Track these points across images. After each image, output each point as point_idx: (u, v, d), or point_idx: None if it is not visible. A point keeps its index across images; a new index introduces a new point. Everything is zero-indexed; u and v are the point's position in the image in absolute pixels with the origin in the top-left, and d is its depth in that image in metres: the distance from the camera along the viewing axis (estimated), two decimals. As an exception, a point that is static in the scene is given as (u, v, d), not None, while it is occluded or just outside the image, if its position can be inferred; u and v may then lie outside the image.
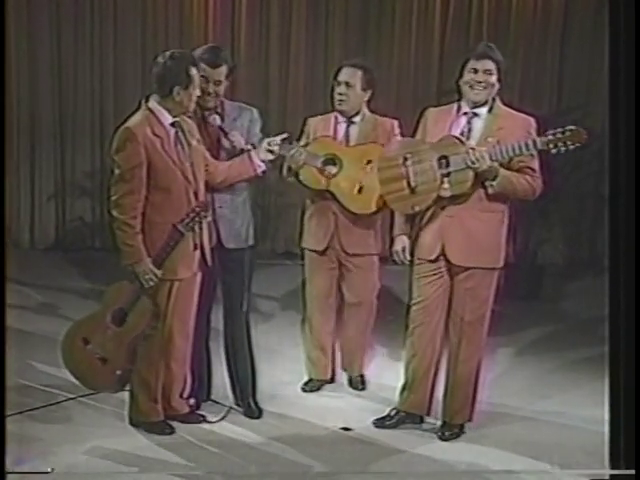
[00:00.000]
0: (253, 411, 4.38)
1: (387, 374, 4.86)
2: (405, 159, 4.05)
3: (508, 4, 7.70)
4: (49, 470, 3.67)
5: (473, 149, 3.85)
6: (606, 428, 3.11)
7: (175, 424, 4.19)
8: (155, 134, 3.87)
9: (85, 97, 7.82)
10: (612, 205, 3.10)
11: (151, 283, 3.87)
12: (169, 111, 3.91)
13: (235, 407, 4.41)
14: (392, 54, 7.71)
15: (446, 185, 3.94)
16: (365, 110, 4.61)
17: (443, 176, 3.93)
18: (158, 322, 3.98)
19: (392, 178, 4.10)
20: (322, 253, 4.65)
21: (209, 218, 4.01)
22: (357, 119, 4.58)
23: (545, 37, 7.72)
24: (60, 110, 7.83)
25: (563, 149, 3.82)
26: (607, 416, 3.11)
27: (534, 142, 3.81)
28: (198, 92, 3.94)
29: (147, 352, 4.03)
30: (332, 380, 4.88)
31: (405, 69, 7.67)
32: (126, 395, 4.20)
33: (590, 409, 4.49)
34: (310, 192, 4.64)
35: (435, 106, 4.22)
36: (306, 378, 4.83)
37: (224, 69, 4.12)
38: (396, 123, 4.60)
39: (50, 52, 7.72)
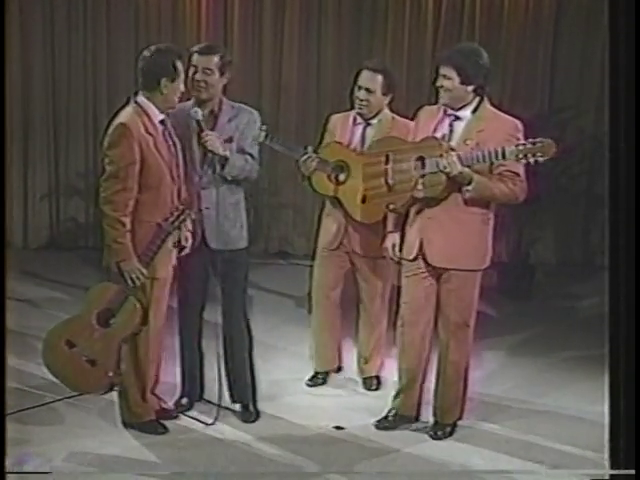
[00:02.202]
0: (250, 414, 4.37)
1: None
2: (387, 157, 4.07)
3: (500, 4, 7.71)
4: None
5: (447, 152, 3.85)
6: (606, 428, 3.11)
7: (172, 424, 4.21)
8: (148, 132, 3.88)
9: (78, 97, 7.80)
10: (612, 204, 3.08)
11: (137, 282, 3.87)
12: (157, 107, 3.92)
13: (228, 407, 4.41)
14: (385, 55, 7.71)
15: (420, 186, 3.95)
16: (385, 111, 4.60)
17: (419, 177, 3.95)
18: (146, 321, 3.98)
19: (373, 175, 4.13)
20: (334, 250, 4.68)
21: (193, 216, 4.02)
22: (375, 121, 4.58)
23: (537, 37, 7.73)
24: (53, 110, 7.81)
25: (532, 160, 3.78)
26: (607, 416, 3.10)
27: (503, 150, 3.79)
28: (182, 88, 3.95)
29: (134, 351, 4.03)
30: (340, 369, 4.92)
31: (398, 69, 7.65)
32: (113, 395, 4.19)
33: (584, 407, 4.52)
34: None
35: (430, 104, 4.23)
36: (312, 372, 4.87)
37: (215, 58, 4.11)
38: (413, 124, 4.57)
39: (43, 52, 7.69)
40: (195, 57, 4.12)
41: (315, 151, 4.60)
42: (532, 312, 6.48)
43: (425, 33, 7.69)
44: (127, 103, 3.99)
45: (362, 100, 4.52)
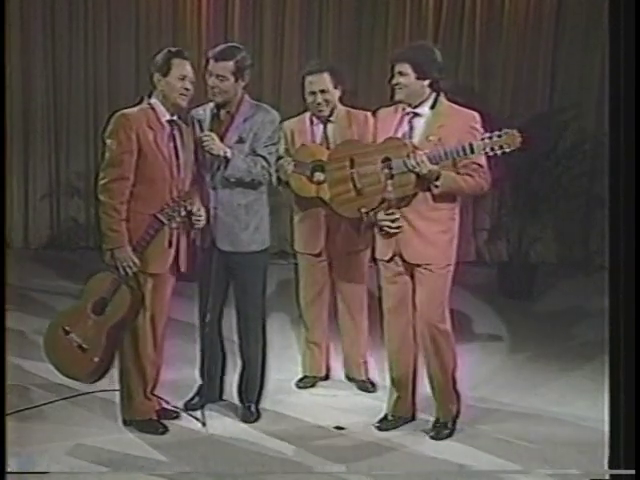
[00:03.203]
0: (251, 414, 4.35)
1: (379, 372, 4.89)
2: (352, 161, 4.06)
3: (501, 4, 7.72)
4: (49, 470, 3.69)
5: (414, 152, 3.84)
6: (606, 428, 3.11)
7: (170, 424, 4.21)
8: (150, 126, 3.94)
9: (79, 97, 7.82)
10: (612, 204, 3.07)
11: (129, 271, 3.91)
12: (166, 108, 3.97)
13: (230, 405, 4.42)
14: (385, 54, 7.71)
15: (390, 187, 3.94)
16: (340, 106, 4.58)
17: (387, 178, 3.94)
18: (139, 313, 4.02)
19: (339, 180, 4.10)
20: (317, 255, 4.68)
21: (189, 208, 4.01)
22: (333, 117, 4.55)
23: (538, 38, 7.75)
24: (54, 110, 7.84)
25: (499, 152, 3.77)
26: (607, 416, 3.08)
27: (470, 145, 3.80)
28: (187, 86, 3.95)
29: (135, 348, 4.06)
30: (327, 377, 4.91)
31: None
32: (114, 395, 4.22)
33: (584, 407, 4.52)
34: (297, 197, 4.64)
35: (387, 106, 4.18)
36: (301, 375, 4.87)
37: (229, 64, 4.07)
38: (369, 114, 4.50)
39: (44, 52, 7.73)
40: (210, 63, 4.12)
41: (288, 156, 4.55)
42: (532, 312, 6.49)
43: (426, 33, 7.70)
44: (140, 102, 4.05)
45: (320, 103, 4.49)
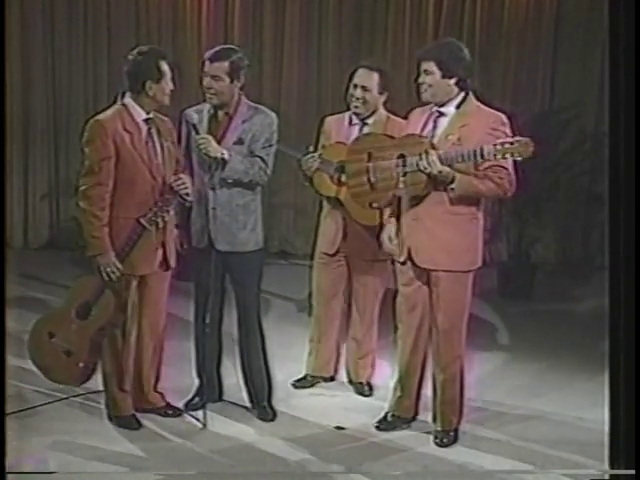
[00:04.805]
0: (267, 413, 4.38)
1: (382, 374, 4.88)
2: (370, 154, 4.05)
3: (501, 4, 7.72)
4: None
5: (427, 151, 3.80)
6: (606, 428, 3.11)
7: (172, 423, 4.23)
8: (126, 129, 3.93)
9: (78, 97, 7.81)
10: (612, 204, 3.08)
11: (112, 276, 3.92)
12: (142, 107, 3.97)
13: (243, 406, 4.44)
14: (385, 54, 7.72)
15: (401, 185, 3.92)
16: (381, 111, 4.57)
17: (400, 175, 3.92)
18: (123, 316, 4.03)
19: (356, 172, 4.11)
20: (332, 255, 4.67)
21: (172, 212, 4.04)
22: (371, 120, 4.55)
23: (537, 37, 7.74)
24: (54, 110, 7.83)
25: (510, 159, 3.75)
26: (607, 416, 3.09)
27: (481, 150, 3.74)
28: (171, 86, 3.99)
29: (110, 346, 4.08)
30: (332, 378, 4.90)
31: (398, 69, 7.67)
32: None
33: (584, 408, 4.52)
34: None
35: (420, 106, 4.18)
36: (302, 374, 4.86)
37: (224, 65, 4.09)
38: (404, 121, 4.54)
39: (44, 52, 7.71)
40: (206, 64, 4.13)
41: (315, 152, 4.59)
42: (532, 312, 6.48)
43: (426, 33, 7.70)
44: (114, 103, 4.04)
45: (358, 98, 4.50)
